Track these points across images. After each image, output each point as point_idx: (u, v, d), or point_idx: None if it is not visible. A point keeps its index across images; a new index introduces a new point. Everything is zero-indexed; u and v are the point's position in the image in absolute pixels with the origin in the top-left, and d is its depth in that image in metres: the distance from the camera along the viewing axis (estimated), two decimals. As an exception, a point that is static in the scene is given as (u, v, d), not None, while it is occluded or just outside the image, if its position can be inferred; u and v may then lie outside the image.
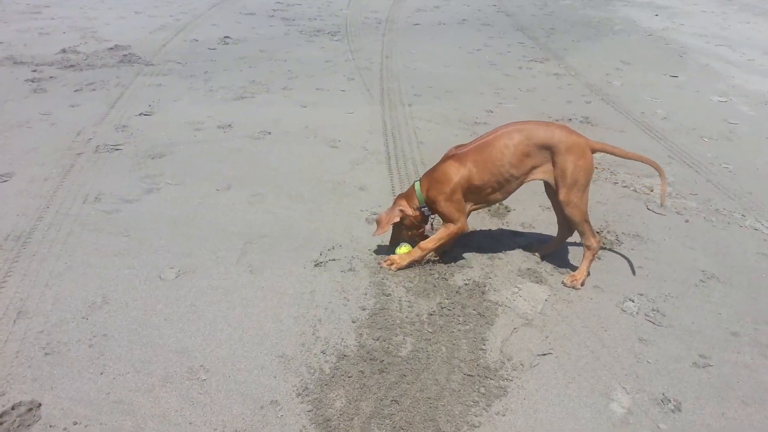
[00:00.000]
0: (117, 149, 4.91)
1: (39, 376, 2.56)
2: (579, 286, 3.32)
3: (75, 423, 2.33)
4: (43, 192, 4.14)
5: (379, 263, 3.48)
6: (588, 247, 3.31)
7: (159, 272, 3.34)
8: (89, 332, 2.85)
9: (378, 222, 3.43)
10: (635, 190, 4.66)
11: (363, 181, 4.64)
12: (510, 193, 3.32)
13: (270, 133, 5.44)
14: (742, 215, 4.30)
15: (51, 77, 6.65)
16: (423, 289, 3.28)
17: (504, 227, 4.01)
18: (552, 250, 3.65)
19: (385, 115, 6.08)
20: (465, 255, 3.62)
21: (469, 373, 2.68)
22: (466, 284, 3.32)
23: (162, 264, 3.41)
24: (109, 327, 2.90)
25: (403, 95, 6.76)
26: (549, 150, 3.14)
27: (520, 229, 3.99)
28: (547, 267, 3.54)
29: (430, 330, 2.96)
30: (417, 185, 3.40)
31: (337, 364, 2.72)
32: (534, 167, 3.20)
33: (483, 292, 3.25)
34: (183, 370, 2.64)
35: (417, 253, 3.43)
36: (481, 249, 3.70)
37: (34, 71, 6.82)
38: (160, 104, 6.01)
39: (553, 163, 3.16)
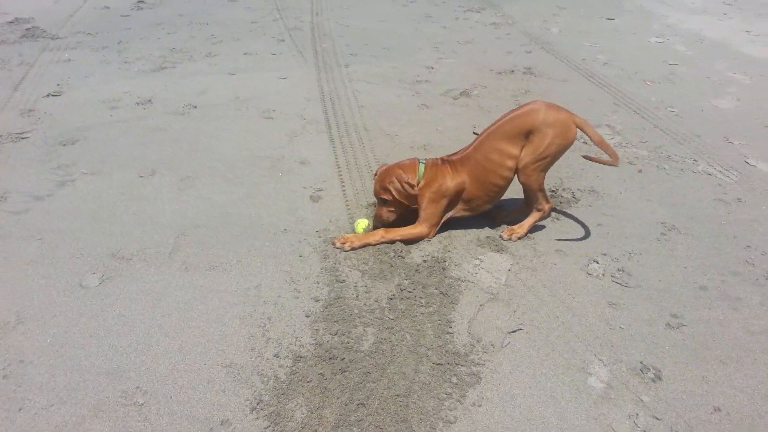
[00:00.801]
0: (23, 138, 4.36)
1: None
2: (515, 239, 3.28)
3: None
4: None
5: (332, 242, 3.19)
6: (538, 209, 3.26)
7: (80, 279, 2.95)
8: (2, 360, 2.47)
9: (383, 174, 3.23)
10: (585, 142, 4.52)
11: (304, 154, 4.30)
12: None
13: (196, 107, 4.98)
14: (694, 160, 4.23)
15: (-61, 60, 5.88)
16: (380, 271, 3.03)
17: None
18: (513, 218, 3.47)
19: (321, 79, 5.70)
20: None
21: (438, 361, 2.47)
22: (425, 261, 3.09)
23: (82, 269, 3.01)
24: (26, 351, 2.52)
25: (339, 56, 6.36)
26: (528, 133, 3.08)
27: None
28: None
29: (391, 317, 2.72)
30: (422, 166, 3.21)
31: (294, 368, 2.45)
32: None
33: (443, 269, 3.03)
34: (116, 395, 2.32)
35: (374, 237, 3.20)
36: (437, 220, 3.47)
37: None
38: (69, 82, 5.40)
39: (529, 139, 3.09)
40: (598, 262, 3.12)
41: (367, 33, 7.13)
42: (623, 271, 3.06)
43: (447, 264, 3.07)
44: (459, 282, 2.94)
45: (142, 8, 7.84)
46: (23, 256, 3.10)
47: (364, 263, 3.10)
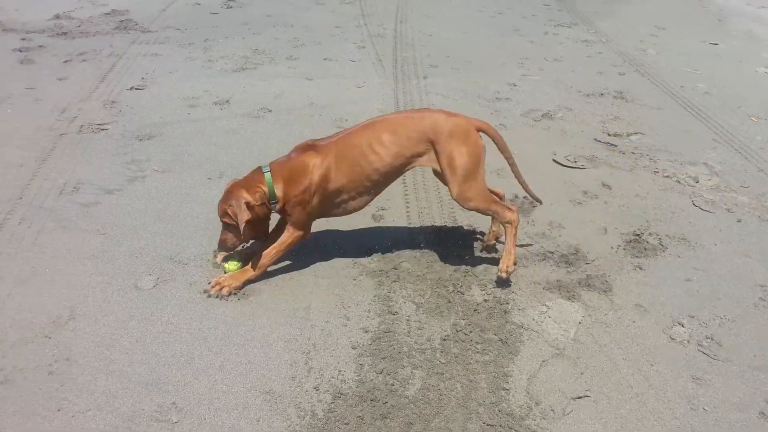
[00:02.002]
0: (103, 129, 4.47)
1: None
2: (511, 271, 2.90)
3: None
4: (17, 181, 3.73)
5: (204, 290, 2.87)
6: (509, 223, 2.90)
7: (135, 280, 2.93)
8: (50, 356, 2.47)
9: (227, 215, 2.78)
10: (678, 181, 4.14)
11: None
12: (370, 201, 3.04)
13: (271, 110, 4.95)
14: (803, 213, 3.78)
15: (40, 46, 6.18)
16: (436, 306, 2.84)
17: (529, 227, 3.53)
18: (496, 238, 3.25)
19: (397, 90, 5.56)
20: (483, 264, 3.17)
21: (490, 422, 2.25)
22: (485, 300, 2.87)
23: (139, 269, 3.00)
24: (74, 349, 2.51)
25: (418, 66, 6.21)
26: (428, 140, 2.82)
27: (547, 230, 3.50)
28: (578, 276, 3.07)
29: (443, 360, 2.53)
30: (268, 175, 2.79)
31: (333, 405, 2.30)
32: (413, 158, 2.89)
33: (505, 312, 2.80)
34: (152, 409, 2.25)
35: (251, 272, 2.89)
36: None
37: (24, 39, 6.34)
38: (154, 76, 5.53)
39: (436, 153, 2.83)
40: (683, 326, 2.79)
41: (450, 44, 6.94)
42: (712, 340, 2.72)
43: (510, 307, 2.84)
44: (521, 330, 2.70)
45: (231, 7, 7.99)
46: (85, 250, 3.12)
47: (420, 295, 2.92)
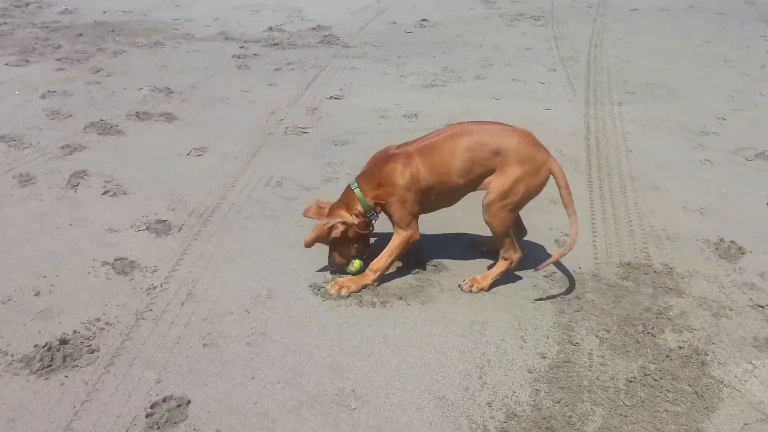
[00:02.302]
0: (305, 132, 4.89)
1: (194, 368, 2.49)
2: (476, 290, 3.02)
3: (218, 431, 2.20)
4: (231, 171, 4.22)
5: (325, 288, 3.02)
6: (506, 259, 3.01)
7: (326, 272, 3.15)
8: (249, 328, 2.74)
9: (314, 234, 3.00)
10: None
11: (555, 192, 4.03)
12: (454, 203, 3.11)
13: (457, 126, 5.05)
14: None
15: (255, 54, 6.94)
16: (622, 344, 2.68)
17: (735, 274, 3.19)
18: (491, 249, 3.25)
19: (588, 115, 5.37)
20: (679, 308, 2.92)
21: (677, 475, 2.07)
22: (680, 347, 2.65)
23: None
24: (269, 325, 2.77)
25: (613, 92, 5.94)
26: (500, 157, 2.83)
27: (758, 281, 3.13)
28: (793, 338, 2.71)
29: (627, 403, 2.37)
30: (357, 191, 2.97)
31: (505, 424, 2.27)
32: (483, 176, 2.90)
33: (703, 363, 2.55)
34: (333, 392, 2.40)
35: (369, 277, 3.01)
36: (705, 302, 2.96)
37: (242, 48, 7.17)
38: (351, 88, 5.93)
39: (499, 167, 2.85)
40: None
41: (650, 71, 6.54)
42: None
43: (709, 359, 2.58)
44: (721, 386, 2.44)
45: (424, 26, 8.30)
46: (285, 239, 3.43)
47: (605, 330, 2.78)
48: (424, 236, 3.44)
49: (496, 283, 3.06)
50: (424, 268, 3.19)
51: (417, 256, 3.28)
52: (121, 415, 2.24)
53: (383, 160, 2.93)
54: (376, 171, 2.93)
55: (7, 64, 6.34)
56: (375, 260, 3.00)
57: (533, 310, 2.90)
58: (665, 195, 4.00)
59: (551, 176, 2.92)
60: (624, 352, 2.63)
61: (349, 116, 5.23)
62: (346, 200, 3.01)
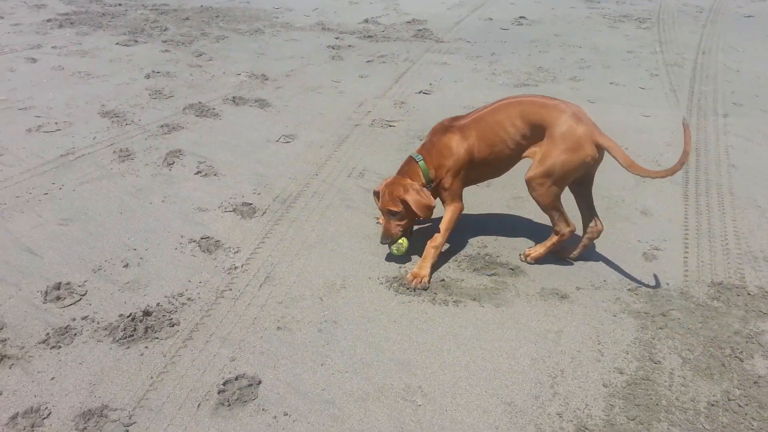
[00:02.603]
0: (390, 125, 4.91)
1: (267, 350, 2.56)
2: (530, 261, 3.18)
3: (285, 414, 2.25)
4: (316, 159, 4.30)
5: (407, 285, 2.99)
6: (557, 233, 3.10)
7: (399, 267, 3.15)
8: (321, 315, 2.79)
9: (388, 197, 3.02)
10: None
11: (648, 203, 3.85)
12: (502, 173, 3.21)
13: (547, 128, 4.89)
14: None
15: (349, 46, 7.04)
16: (706, 366, 2.50)
17: None
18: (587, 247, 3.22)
19: (690, 125, 5.04)
20: (778, 333, 2.70)
21: None
22: (774, 378, 2.44)
23: (403, 259, 3.22)
24: (341, 314, 2.80)
25: (719, 102, 5.55)
26: (543, 129, 2.90)
27: None
28: None
29: (707, 427, 2.22)
30: (422, 163, 3.03)
31: (575, 438, 2.18)
32: (527, 146, 3.00)
33: (800, 398, 2.35)
34: (400, 386, 2.39)
35: (432, 254, 3.04)
36: (805, 330, 2.72)
37: (337, 38, 7.30)
38: (440, 83, 5.89)
39: (543, 140, 2.91)
40: None
41: (761, 82, 6.07)
42: None
43: (807, 393, 2.37)
44: (820, 423, 2.24)
45: (521, 24, 8.11)
46: (363, 229, 3.46)
47: (689, 350, 2.61)
48: (502, 239, 3.37)
49: (574, 293, 2.94)
50: (500, 271, 3.12)
51: (491, 257, 3.22)
52: (195, 389, 2.34)
53: (441, 131, 3.05)
54: (436, 142, 3.03)
55: (117, 44, 6.79)
56: (434, 237, 3.06)
57: (613, 324, 2.77)
58: (767, 214, 3.71)
59: (605, 151, 2.90)
60: (708, 374, 2.46)
61: (436, 112, 5.20)
62: (409, 171, 3.05)
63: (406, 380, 2.43)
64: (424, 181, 3.04)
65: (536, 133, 2.93)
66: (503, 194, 3.87)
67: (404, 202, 2.95)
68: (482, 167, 3.08)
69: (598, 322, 2.78)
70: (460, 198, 3.11)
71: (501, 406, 2.31)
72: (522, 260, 3.19)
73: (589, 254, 3.27)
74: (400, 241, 3.09)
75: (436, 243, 3.04)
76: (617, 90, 5.85)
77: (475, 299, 2.90)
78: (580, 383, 2.43)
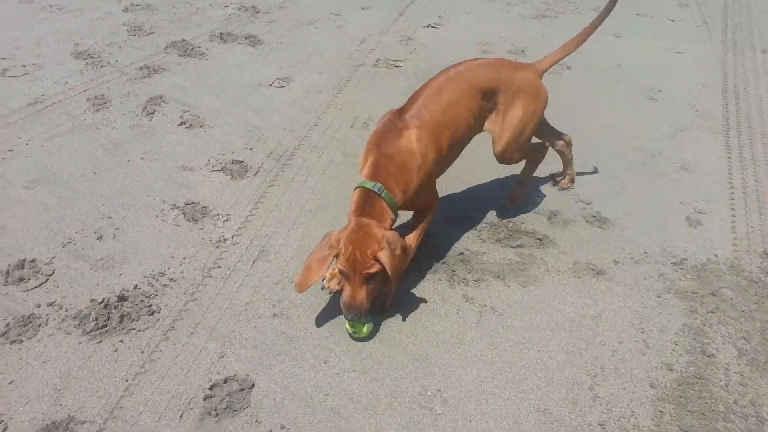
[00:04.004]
0: (397, 66, 4.40)
1: (261, 343, 2.21)
2: (517, 203, 2.94)
3: (282, 427, 1.92)
4: (314, 106, 3.83)
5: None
6: (566, 145, 2.95)
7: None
8: (324, 299, 2.43)
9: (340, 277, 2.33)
10: None
11: (687, 157, 3.43)
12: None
13: (570, 67, 4.40)
14: None
15: (348, -27, 6.36)
16: (766, 360, 2.17)
17: None
18: (571, 175, 3.06)
19: (726, 63, 4.55)
20: None
21: None
22: None
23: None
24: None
25: (756, 36, 5.02)
26: (495, 94, 2.51)
27: None
28: None
29: (778, 444, 1.91)
30: (386, 193, 2.25)
31: (623, 458, 1.87)
32: (484, 119, 2.57)
33: None
34: (416, 390, 2.06)
35: (406, 260, 2.31)
36: None
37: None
38: (450, 16, 5.31)
39: (495, 105, 2.54)
40: None
41: (807, 12, 5.48)
42: None
43: None
44: None
45: (537, -54, 7.36)
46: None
47: (744, 338, 2.27)
48: (525, 203, 2.98)
49: (611, 269, 2.58)
50: (526, 241, 2.73)
51: (515, 224, 2.83)
52: (177, 395, 2.00)
53: (391, 135, 2.31)
54: (392, 153, 2.29)
55: (93, -25, 6.12)
56: (409, 237, 2.44)
57: (658, 307, 2.42)
58: (827, 169, 3.29)
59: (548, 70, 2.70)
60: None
61: (446, 49, 4.67)
62: (372, 211, 2.23)
63: (422, 381, 2.09)
64: (393, 216, 2.28)
65: (491, 100, 2.52)
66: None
67: (378, 258, 2.12)
68: (447, 158, 2.50)
69: (641, 304, 2.43)
70: (435, 202, 2.53)
71: (534, 414, 1.99)
72: (503, 203, 2.95)
73: (626, 219, 2.88)
74: (362, 324, 2.22)
75: (414, 247, 2.44)
76: (644, 22, 5.28)
77: (498, 277, 2.54)
78: (623, 383, 2.10)
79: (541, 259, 2.65)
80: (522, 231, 2.80)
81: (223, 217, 2.83)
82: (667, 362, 2.18)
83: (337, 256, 2.14)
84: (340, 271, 2.16)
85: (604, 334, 2.29)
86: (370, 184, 2.23)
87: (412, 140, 2.31)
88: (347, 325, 2.22)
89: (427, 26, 5.06)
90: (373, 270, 2.11)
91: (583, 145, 3.42)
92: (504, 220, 2.85)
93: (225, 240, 2.69)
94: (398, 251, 2.16)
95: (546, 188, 3.10)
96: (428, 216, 2.50)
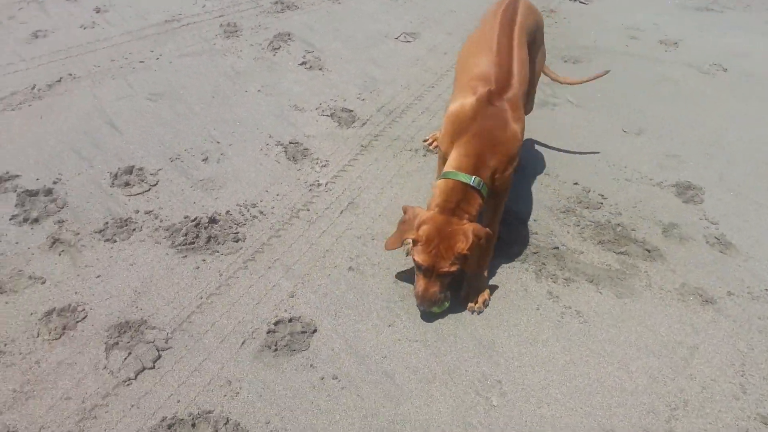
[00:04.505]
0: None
1: (332, 292, 2.20)
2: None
3: (334, 377, 1.91)
4: (437, 66, 3.71)
5: (470, 309, 2.18)
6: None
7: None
8: (402, 262, 2.36)
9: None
10: None
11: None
12: None
13: (726, 69, 3.93)
14: None
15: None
16: None
17: None
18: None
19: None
20: None
21: None
22: None
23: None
24: (426, 264, 2.36)
25: None
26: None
27: None
28: None
29: None
30: (483, 186, 2.04)
31: (687, 507, 1.68)
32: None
33: None
34: (476, 375, 1.97)
35: (489, 254, 2.16)
36: None
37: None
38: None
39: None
40: None
41: None
42: None
43: None
44: None
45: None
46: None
47: None
48: (643, 207, 2.72)
49: (723, 300, 2.30)
50: (633, 250, 2.50)
51: (625, 229, 2.59)
52: (243, 323, 2.05)
53: (499, 123, 2.07)
54: (500, 144, 2.06)
55: None
56: (491, 222, 2.26)
57: (765, 342, 2.13)
58: None
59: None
60: None
61: (590, 27, 4.33)
62: (469, 208, 2.04)
63: (484, 368, 1.99)
64: (481, 202, 2.08)
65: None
66: (656, 149, 3.12)
67: (464, 257, 1.98)
68: None
69: (748, 345, 2.15)
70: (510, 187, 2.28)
71: (597, 433, 1.83)
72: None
73: (755, 248, 2.55)
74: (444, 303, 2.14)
75: (495, 236, 2.26)
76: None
77: (592, 281, 2.34)
78: (705, 424, 1.88)
79: (645, 273, 2.41)
80: (631, 238, 2.56)
81: (321, 162, 2.83)
82: (764, 415, 1.92)
83: (415, 243, 1.98)
84: (416, 264, 2.00)
85: (697, 368, 2.05)
86: (467, 178, 2.02)
87: (515, 124, 2.09)
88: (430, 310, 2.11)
89: (575, 0, 4.71)
90: (452, 269, 1.97)
91: (721, 157, 3.05)
92: (613, 223, 2.62)
93: (319, 185, 2.69)
94: (483, 242, 2.00)
95: (670, 198, 2.80)
96: (505, 196, 2.26)
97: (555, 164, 2.93)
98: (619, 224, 2.62)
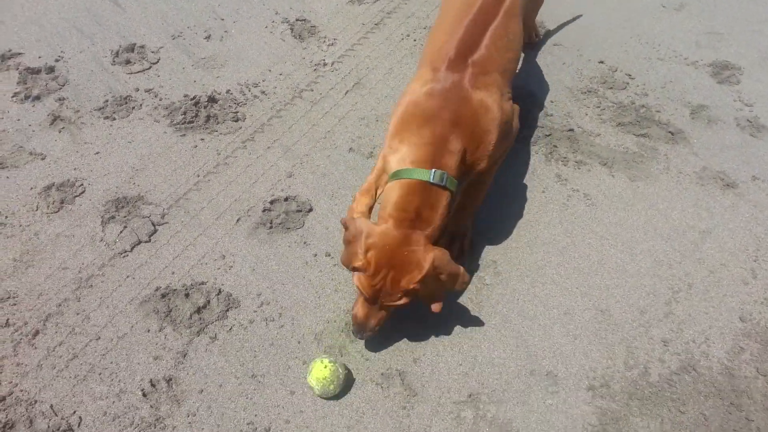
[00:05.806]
0: None
1: (330, 173, 2.15)
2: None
3: (327, 254, 1.90)
4: None
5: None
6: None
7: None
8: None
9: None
10: None
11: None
12: None
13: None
14: None
15: None
16: None
17: None
18: None
19: None
20: None
21: None
22: None
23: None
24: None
25: None
26: None
27: None
28: None
29: None
30: (449, 179, 1.59)
31: None
32: None
33: None
34: (473, 253, 1.93)
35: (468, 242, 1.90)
36: None
37: None
38: None
39: None
40: None
41: None
42: None
43: None
44: None
45: None
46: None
47: None
48: (673, 87, 2.52)
49: (746, 184, 2.15)
50: (654, 132, 2.33)
51: (649, 110, 2.41)
52: (239, 201, 2.04)
53: (455, 90, 1.67)
54: (463, 113, 1.65)
55: None
56: (461, 216, 1.89)
57: (789, 240, 2.01)
58: None
59: None
60: None
61: None
62: (433, 215, 1.59)
63: (479, 247, 1.95)
64: (448, 207, 1.64)
65: None
66: (696, 26, 2.84)
67: (413, 292, 1.54)
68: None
69: (766, 230, 2.03)
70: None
71: (590, 312, 1.80)
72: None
73: (790, 133, 2.35)
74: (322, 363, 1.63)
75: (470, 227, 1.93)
76: None
77: (605, 164, 2.22)
78: (708, 308, 1.82)
79: (665, 156, 2.26)
80: (654, 120, 2.39)
81: (329, 40, 2.69)
82: (774, 301, 1.84)
83: (360, 270, 1.54)
84: (359, 290, 1.58)
85: (707, 252, 1.96)
86: (425, 174, 1.58)
87: (482, 91, 1.68)
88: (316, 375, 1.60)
89: None
90: (400, 303, 1.56)
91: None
92: (637, 104, 2.43)
93: (324, 64, 2.57)
94: (444, 277, 1.56)
95: (704, 78, 2.58)
96: (488, 180, 1.86)
97: (580, 41, 2.72)
98: (643, 105, 2.43)
